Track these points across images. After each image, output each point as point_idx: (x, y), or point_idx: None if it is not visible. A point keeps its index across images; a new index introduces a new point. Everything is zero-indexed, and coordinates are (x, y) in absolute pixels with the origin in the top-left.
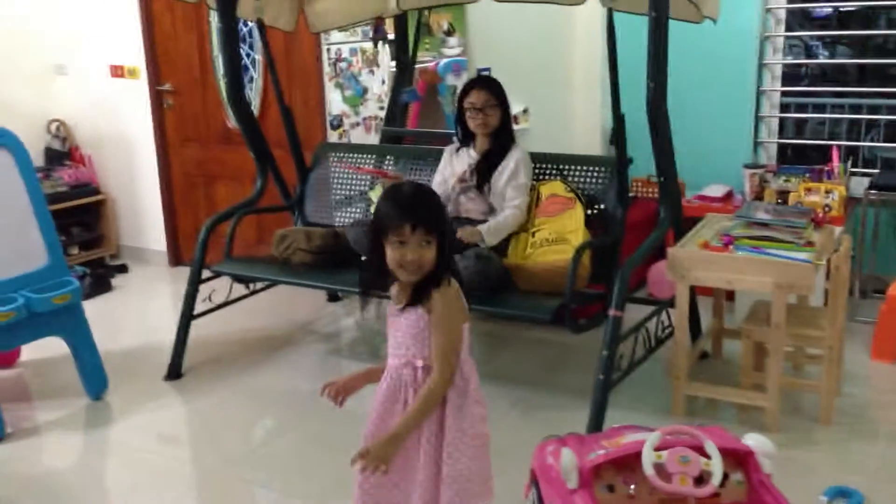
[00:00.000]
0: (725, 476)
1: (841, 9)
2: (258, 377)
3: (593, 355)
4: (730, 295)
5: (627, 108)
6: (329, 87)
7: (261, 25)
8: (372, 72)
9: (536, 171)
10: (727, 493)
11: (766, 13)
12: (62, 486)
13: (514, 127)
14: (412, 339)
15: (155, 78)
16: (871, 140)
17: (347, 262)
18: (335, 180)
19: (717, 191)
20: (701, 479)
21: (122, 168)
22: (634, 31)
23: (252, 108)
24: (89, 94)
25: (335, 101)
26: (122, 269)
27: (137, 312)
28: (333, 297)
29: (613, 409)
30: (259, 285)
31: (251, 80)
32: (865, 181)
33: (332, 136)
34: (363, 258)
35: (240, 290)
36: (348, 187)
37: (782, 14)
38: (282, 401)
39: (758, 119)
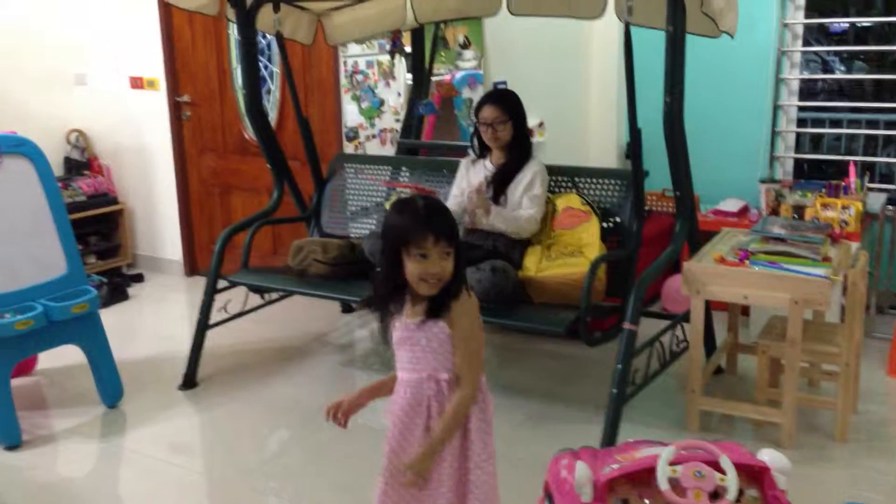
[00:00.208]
0: (740, 492)
1: (858, 24)
2: (272, 387)
3: (607, 369)
4: (745, 310)
5: (643, 121)
6: (345, 99)
7: (280, 38)
8: (388, 84)
9: (552, 183)
10: None
11: (783, 28)
12: (76, 493)
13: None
14: (433, 353)
15: (174, 89)
16: (888, 155)
17: (363, 274)
18: (351, 191)
19: (732, 205)
20: (716, 495)
21: (140, 178)
22: (651, 45)
23: (269, 119)
24: (109, 105)
25: (351, 113)
26: (139, 278)
27: (153, 321)
28: (348, 309)
29: (627, 423)
30: (273, 296)
31: (269, 91)
32: (882, 197)
33: (348, 148)
34: (377, 272)
35: (255, 300)
36: (364, 198)
37: (799, 29)
38: (295, 411)
39: (774, 134)
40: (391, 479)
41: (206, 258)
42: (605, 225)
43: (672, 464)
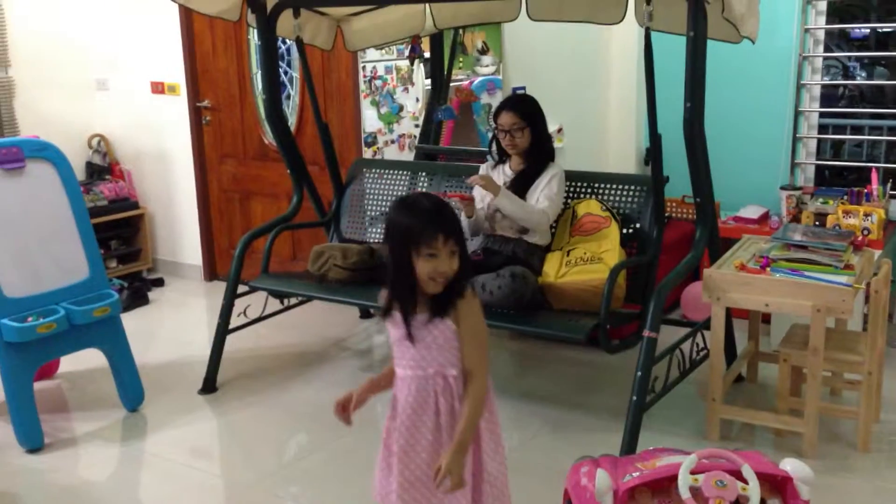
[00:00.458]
0: (763, 501)
1: (879, 30)
2: (292, 392)
3: (627, 376)
4: (765, 317)
5: (663, 127)
6: (364, 104)
7: (299, 43)
8: (407, 90)
9: (571, 189)
10: None
11: (804, 33)
12: (97, 497)
13: None
14: (439, 350)
15: (194, 94)
16: None
17: (382, 279)
18: (370, 197)
19: (753, 212)
20: None
21: (161, 183)
22: (671, 50)
23: (289, 124)
24: (130, 110)
25: (370, 119)
26: (159, 282)
27: (173, 326)
28: (366, 314)
29: (647, 431)
30: (293, 301)
31: (288, 97)
32: None
33: (367, 154)
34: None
35: (274, 305)
36: (383, 204)
37: (821, 34)
38: (314, 416)
39: (795, 140)
40: (405, 481)
41: (226, 263)
42: (624, 231)
43: (693, 472)
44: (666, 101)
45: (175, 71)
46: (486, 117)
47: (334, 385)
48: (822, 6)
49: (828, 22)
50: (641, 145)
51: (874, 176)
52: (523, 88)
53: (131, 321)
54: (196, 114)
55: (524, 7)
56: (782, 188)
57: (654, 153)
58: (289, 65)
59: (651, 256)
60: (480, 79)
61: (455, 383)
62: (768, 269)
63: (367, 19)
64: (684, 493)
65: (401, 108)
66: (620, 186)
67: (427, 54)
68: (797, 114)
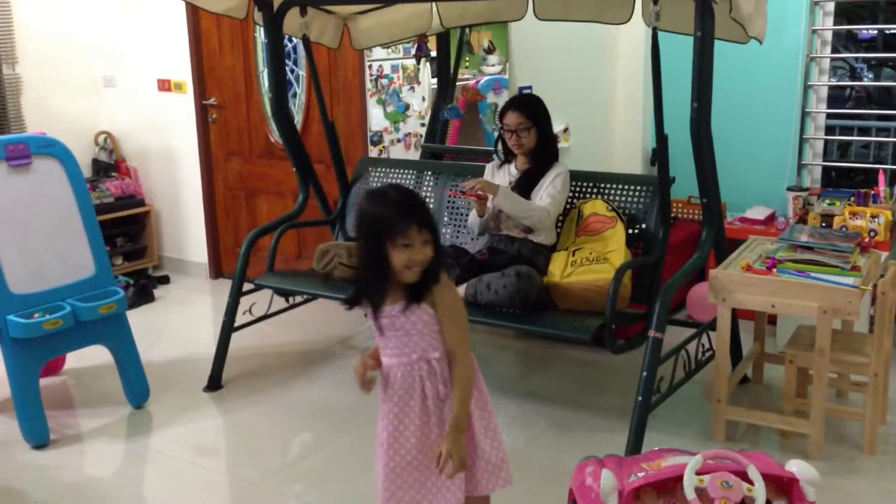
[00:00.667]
0: (768, 503)
1: (887, 31)
2: (296, 390)
3: (632, 377)
4: (771, 319)
5: (669, 127)
6: (371, 102)
7: (306, 42)
8: (413, 88)
9: (577, 189)
10: None
11: (811, 34)
12: (102, 493)
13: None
14: (420, 336)
15: (201, 92)
16: None
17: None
18: None
19: (759, 213)
20: None
21: (167, 181)
22: (678, 50)
23: (295, 123)
24: (137, 107)
25: (376, 117)
26: (164, 280)
27: (178, 323)
28: None
29: (651, 431)
30: (298, 299)
31: (294, 95)
32: None
33: (372, 153)
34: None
35: (279, 303)
36: None
37: (828, 35)
38: (319, 414)
39: (802, 141)
40: (396, 466)
41: (232, 261)
42: (630, 231)
43: (699, 473)
44: (672, 102)
45: (182, 68)
46: (493, 116)
47: (339, 383)
48: (830, 7)
49: (835, 23)
50: (648, 145)
51: (881, 177)
52: (529, 88)
53: (137, 318)
54: (202, 111)
55: (531, 6)
56: (789, 189)
57: (660, 153)
58: (295, 63)
59: (657, 257)
60: (487, 78)
61: (439, 366)
62: (774, 270)
63: (373, 18)
64: (689, 493)
65: (407, 106)
66: (626, 186)
67: (433, 53)
68: (804, 115)
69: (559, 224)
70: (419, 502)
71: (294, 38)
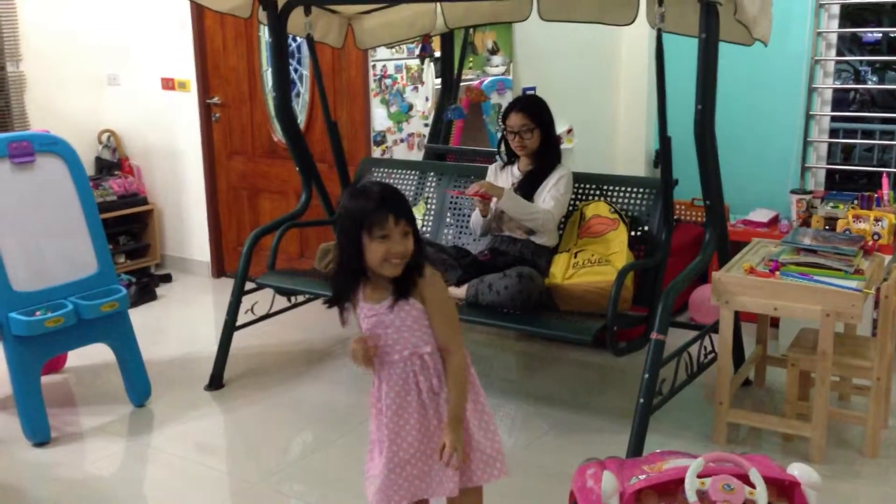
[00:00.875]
0: None
1: (891, 34)
2: (298, 389)
3: (634, 379)
4: (774, 321)
5: (672, 129)
6: (374, 102)
7: (310, 41)
8: (416, 89)
9: (580, 190)
10: None
11: (816, 37)
12: (103, 491)
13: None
14: (409, 331)
15: (204, 91)
16: None
17: None
18: None
19: (762, 216)
20: None
21: (170, 179)
22: (682, 52)
23: (298, 122)
24: (140, 106)
25: (380, 117)
26: (167, 278)
27: (180, 322)
28: None
29: (653, 434)
30: (300, 298)
31: (298, 94)
32: None
33: (375, 153)
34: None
35: (281, 302)
36: None
37: (833, 38)
38: (320, 414)
39: (806, 144)
40: (400, 461)
41: (234, 260)
42: (633, 233)
43: (700, 476)
44: (676, 104)
45: (185, 67)
46: (496, 117)
47: (340, 383)
48: (835, 10)
49: (840, 26)
50: (651, 147)
51: (885, 181)
52: (533, 89)
53: (139, 317)
54: (206, 110)
55: (535, 7)
56: (792, 192)
57: (663, 155)
58: (299, 62)
59: (659, 259)
60: (490, 79)
61: (431, 360)
62: (777, 272)
63: (377, 18)
64: (691, 496)
65: (410, 107)
66: (629, 188)
67: (437, 53)
68: (808, 117)
69: (561, 226)
70: (422, 491)
71: (298, 38)
